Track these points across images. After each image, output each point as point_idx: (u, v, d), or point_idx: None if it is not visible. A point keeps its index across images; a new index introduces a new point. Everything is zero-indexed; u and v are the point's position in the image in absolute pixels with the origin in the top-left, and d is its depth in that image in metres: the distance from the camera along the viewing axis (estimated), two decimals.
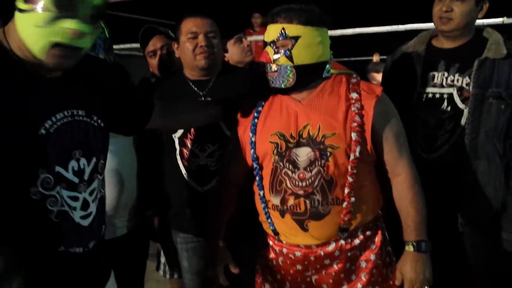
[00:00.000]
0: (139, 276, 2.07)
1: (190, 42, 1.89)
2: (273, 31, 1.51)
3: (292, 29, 1.49)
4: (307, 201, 1.49)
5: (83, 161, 1.23)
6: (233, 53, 2.41)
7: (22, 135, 1.11)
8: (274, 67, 1.52)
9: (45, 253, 1.18)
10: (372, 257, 1.57)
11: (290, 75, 1.52)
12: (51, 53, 1.10)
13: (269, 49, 1.52)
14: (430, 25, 2.25)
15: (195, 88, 1.94)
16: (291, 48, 1.49)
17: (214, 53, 1.90)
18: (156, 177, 1.98)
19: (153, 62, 2.35)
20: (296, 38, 1.49)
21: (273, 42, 1.51)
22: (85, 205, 1.24)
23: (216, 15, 2.00)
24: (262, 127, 1.59)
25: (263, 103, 1.63)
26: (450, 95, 1.89)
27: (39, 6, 1.07)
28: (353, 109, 1.50)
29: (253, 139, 1.59)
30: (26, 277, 1.15)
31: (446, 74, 1.91)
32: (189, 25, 1.90)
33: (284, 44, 1.50)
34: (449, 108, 1.88)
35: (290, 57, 1.50)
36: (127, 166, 1.87)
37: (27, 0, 1.09)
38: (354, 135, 1.48)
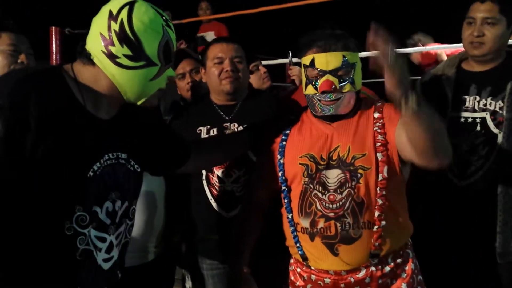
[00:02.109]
0: None
1: (216, 67, 1.90)
2: (333, 59, 1.49)
3: (351, 56, 1.50)
4: (338, 224, 1.46)
5: (118, 203, 1.25)
6: (251, 80, 2.44)
7: (71, 174, 1.14)
8: (335, 95, 1.49)
9: None
10: (403, 286, 1.51)
11: (352, 102, 1.53)
12: (153, 96, 1.28)
13: (331, 78, 1.49)
14: (457, 45, 2.23)
15: (222, 113, 1.94)
16: (353, 75, 1.50)
17: (239, 77, 1.91)
18: (183, 201, 1.97)
19: (182, 84, 2.38)
20: (354, 65, 1.51)
21: (336, 70, 1.49)
22: (109, 248, 1.24)
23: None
24: (291, 149, 1.58)
25: (291, 126, 1.63)
26: (483, 120, 1.85)
27: (151, 63, 1.21)
28: (375, 128, 1.50)
29: (281, 161, 1.58)
30: None
31: (478, 98, 1.87)
32: (215, 51, 1.93)
33: (346, 72, 1.50)
34: (482, 133, 1.85)
35: (353, 84, 1.51)
36: (158, 189, 1.87)
37: (135, 59, 1.19)
38: (379, 155, 1.47)
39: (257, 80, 2.52)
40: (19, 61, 1.84)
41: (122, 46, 1.17)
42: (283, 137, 1.62)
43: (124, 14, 1.17)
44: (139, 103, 1.26)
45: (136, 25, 1.18)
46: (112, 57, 1.18)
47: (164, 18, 1.24)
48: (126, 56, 1.18)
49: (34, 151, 1.07)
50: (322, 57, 1.49)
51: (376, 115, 1.53)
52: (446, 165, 1.42)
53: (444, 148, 1.37)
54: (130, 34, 1.17)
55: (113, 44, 1.17)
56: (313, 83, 1.51)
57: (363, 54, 1.63)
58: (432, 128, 1.31)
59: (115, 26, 1.17)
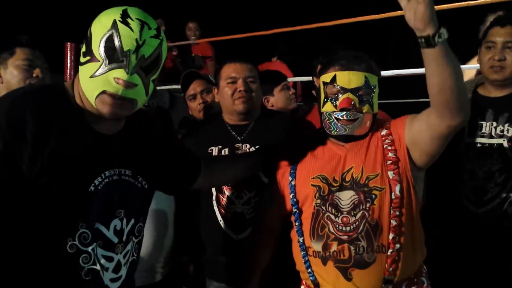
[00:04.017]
0: None
1: (229, 87, 1.90)
2: (355, 78, 1.48)
3: (372, 78, 1.50)
4: (352, 247, 1.42)
5: (124, 221, 1.22)
6: (278, 99, 2.45)
7: (72, 188, 1.12)
8: (353, 114, 1.48)
9: None
10: None
11: (368, 124, 1.51)
12: (101, 101, 1.13)
13: (352, 96, 1.48)
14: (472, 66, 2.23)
15: (233, 133, 1.93)
16: (372, 98, 1.50)
17: (252, 97, 1.91)
18: (192, 222, 1.95)
19: (193, 105, 2.38)
20: (374, 88, 1.50)
21: (357, 89, 1.48)
22: (117, 267, 1.21)
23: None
24: (302, 171, 1.55)
25: (302, 147, 1.61)
26: (500, 146, 1.82)
27: (93, 58, 1.12)
28: (384, 146, 1.48)
29: (293, 183, 1.56)
30: None
31: (494, 124, 1.85)
32: (228, 70, 1.93)
33: (367, 92, 1.49)
34: (499, 160, 1.82)
35: (372, 106, 1.50)
36: (168, 208, 1.85)
37: (85, 54, 1.14)
38: (390, 174, 1.44)
39: (285, 100, 2.52)
40: (34, 75, 1.87)
41: (83, 44, 1.15)
42: (295, 159, 1.59)
43: None
44: (98, 109, 1.15)
45: (95, 21, 1.15)
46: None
47: (129, 17, 1.12)
48: (83, 53, 1.15)
49: (32, 166, 1.07)
50: (344, 75, 1.48)
51: (384, 132, 1.51)
52: (466, 121, 1.35)
53: (467, 97, 1.33)
54: (88, 30, 1.14)
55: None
56: (332, 100, 1.50)
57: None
58: (458, 69, 1.26)
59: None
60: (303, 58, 4.70)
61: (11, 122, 1.06)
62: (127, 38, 1.11)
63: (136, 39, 1.11)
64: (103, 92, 1.12)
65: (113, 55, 1.11)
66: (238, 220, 1.85)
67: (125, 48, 1.10)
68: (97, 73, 1.11)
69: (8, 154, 1.05)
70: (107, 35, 1.11)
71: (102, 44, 1.11)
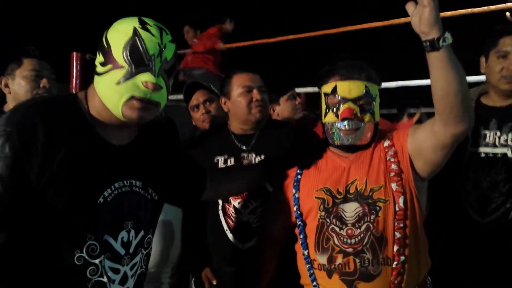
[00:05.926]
0: None
1: (244, 96, 1.90)
2: (355, 88, 1.48)
3: (373, 87, 1.51)
4: (357, 260, 1.42)
5: (132, 233, 1.23)
6: (285, 109, 2.46)
7: (81, 200, 1.13)
8: (355, 124, 1.48)
9: None
10: None
11: (370, 133, 1.51)
12: (129, 107, 1.15)
13: (353, 105, 1.48)
14: (478, 78, 2.23)
15: (239, 143, 1.94)
16: (373, 107, 1.50)
17: (266, 106, 1.94)
18: (199, 231, 1.95)
19: (196, 115, 2.38)
20: (375, 97, 1.51)
21: (358, 98, 1.49)
22: (124, 279, 1.22)
23: None
24: (306, 183, 1.56)
25: (306, 159, 1.61)
26: (504, 156, 1.82)
27: (117, 65, 1.13)
28: (387, 158, 1.48)
29: (296, 195, 1.56)
30: None
31: (498, 133, 1.85)
32: (241, 79, 1.93)
33: (368, 102, 1.50)
34: (503, 169, 1.81)
35: (373, 115, 1.51)
36: (175, 219, 1.86)
37: (104, 63, 1.15)
38: (394, 185, 1.44)
39: (291, 110, 2.52)
40: (41, 85, 1.88)
41: (99, 55, 1.16)
42: (298, 171, 1.59)
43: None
44: (123, 118, 1.17)
45: (110, 31, 1.16)
46: (95, 69, 1.18)
47: (148, 24, 1.16)
48: (100, 63, 1.16)
49: (40, 177, 1.08)
50: (345, 84, 1.49)
51: (387, 143, 1.51)
52: (470, 129, 1.35)
53: (471, 103, 1.34)
54: (103, 40, 1.16)
55: (97, 58, 1.18)
56: (334, 110, 1.50)
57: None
58: (462, 74, 1.26)
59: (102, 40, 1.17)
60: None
61: (22, 133, 1.07)
62: (150, 42, 1.14)
63: (158, 43, 1.15)
64: (132, 97, 1.14)
65: (139, 59, 1.13)
66: (244, 229, 1.85)
67: (150, 52, 1.14)
68: (123, 79, 1.13)
69: (18, 165, 1.06)
70: (131, 41, 1.13)
71: (126, 50, 1.13)
